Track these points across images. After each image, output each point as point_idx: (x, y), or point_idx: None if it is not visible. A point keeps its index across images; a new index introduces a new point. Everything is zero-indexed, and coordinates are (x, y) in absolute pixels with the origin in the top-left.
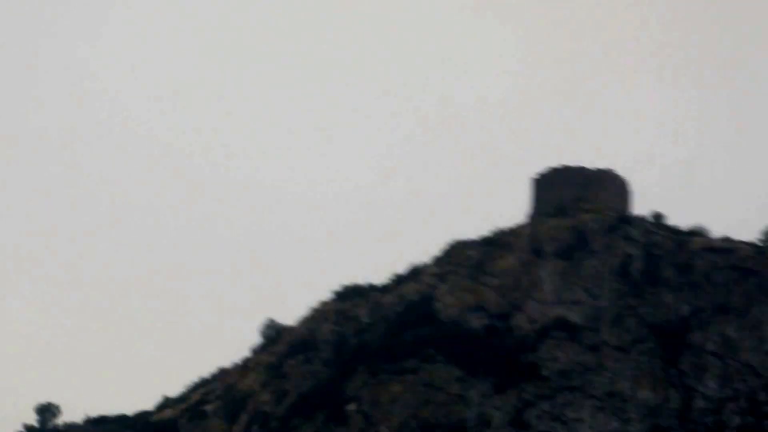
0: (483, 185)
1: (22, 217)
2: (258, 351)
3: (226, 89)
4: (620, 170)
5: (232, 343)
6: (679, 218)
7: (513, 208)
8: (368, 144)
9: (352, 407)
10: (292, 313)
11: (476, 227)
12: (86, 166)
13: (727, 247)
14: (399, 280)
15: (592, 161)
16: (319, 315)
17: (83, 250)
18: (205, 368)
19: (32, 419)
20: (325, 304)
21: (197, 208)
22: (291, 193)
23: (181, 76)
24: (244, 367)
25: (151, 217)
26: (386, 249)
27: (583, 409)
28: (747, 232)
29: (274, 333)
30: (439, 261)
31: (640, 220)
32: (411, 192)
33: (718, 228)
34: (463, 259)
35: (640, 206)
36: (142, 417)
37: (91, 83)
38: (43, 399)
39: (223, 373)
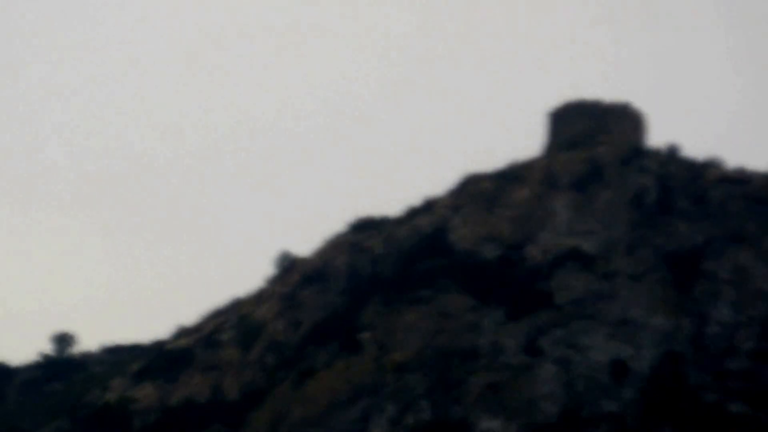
0: (498, 119)
1: (37, 139)
2: (272, 281)
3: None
4: (635, 103)
5: (247, 274)
6: (694, 150)
7: (528, 143)
8: (385, 76)
9: (366, 336)
10: (306, 244)
11: (491, 160)
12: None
13: (741, 178)
14: (413, 213)
15: (607, 95)
16: (333, 246)
17: (100, 180)
18: (220, 298)
19: (49, 348)
20: (339, 235)
21: (213, 139)
22: (307, 124)
23: None
24: (258, 297)
25: (165, 149)
26: (401, 181)
27: (596, 336)
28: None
29: (288, 264)
30: (453, 193)
31: (655, 152)
32: (426, 125)
33: (733, 159)
34: (477, 191)
35: (655, 139)
36: (157, 346)
37: None
38: (60, 328)
39: (237, 303)
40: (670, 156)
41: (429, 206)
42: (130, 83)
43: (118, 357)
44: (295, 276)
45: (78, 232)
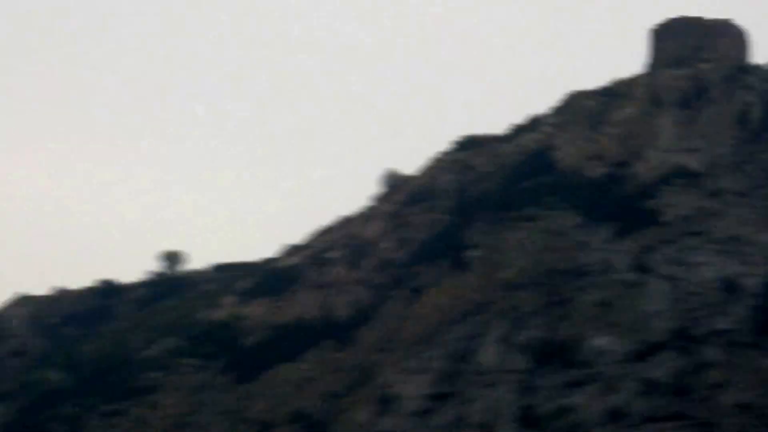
0: (601, 36)
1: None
2: (379, 200)
3: None
4: (739, 21)
5: (355, 193)
6: None
7: (631, 60)
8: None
9: (473, 254)
10: (412, 163)
11: (595, 78)
12: None
13: None
14: (518, 131)
15: (710, 12)
16: (439, 165)
17: (214, 99)
18: (329, 217)
19: (159, 266)
20: (444, 154)
21: (321, 59)
22: (412, 46)
23: None
24: (366, 216)
25: (278, 71)
26: (505, 100)
27: (704, 253)
28: None
29: (394, 183)
30: (557, 111)
31: (759, 69)
32: (529, 43)
33: None
34: (582, 109)
35: (759, 56)
36: (267, 264)
37: None
38: (170, 247)
39: (346, 222)
40: None
41: (533, 124)
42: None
43: (227, 275)
44: (401, 195)
45: (188, 150)
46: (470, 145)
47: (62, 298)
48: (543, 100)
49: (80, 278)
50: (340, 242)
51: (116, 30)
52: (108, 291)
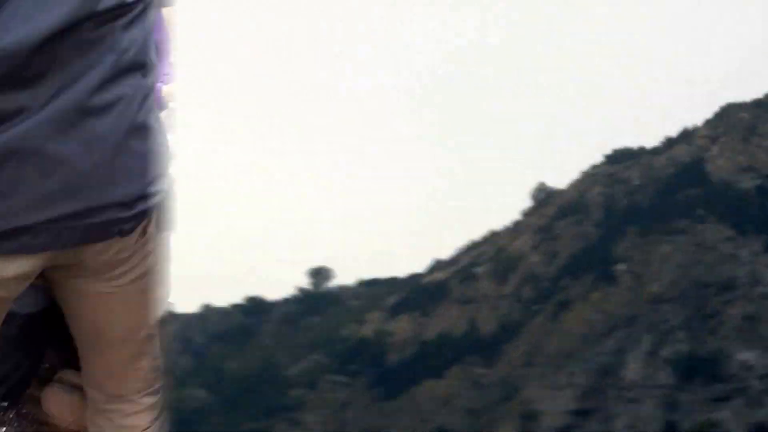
0: (757, 48)
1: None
2: (528, 214)
3: None
4: None
5: (503, 207)
6: None
7: None
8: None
9: (621, 267)
10: (562, 177)
11: (749, 90)
12: None
13: None
14: (670, 143)
15: None
16: (589, 178)
17: (358, 116)
18: (476, 231)
19: (306, 283)
20: (595, 167)
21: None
22: (562, 61)
23: None
24: (514, 230)
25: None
26: (657, 112)
27: None
28: None
29: (544, 196)
30: (710, 123)
31: None
32: (683, 54)
33: None
34: (735, 121)
35: None
36: (414, 279)
37: None
38: (317, 263)
39: (493, 236)
40: None
41: (686, 136)
42: None
43: (374, 291)
44: (551, 208)
45: (334, 168)
46: (621, 157)
47: (208, 315)
48: (697, 112)
49: (226, 295)
50: (487, 256)
51: None
52: (254, 308)
